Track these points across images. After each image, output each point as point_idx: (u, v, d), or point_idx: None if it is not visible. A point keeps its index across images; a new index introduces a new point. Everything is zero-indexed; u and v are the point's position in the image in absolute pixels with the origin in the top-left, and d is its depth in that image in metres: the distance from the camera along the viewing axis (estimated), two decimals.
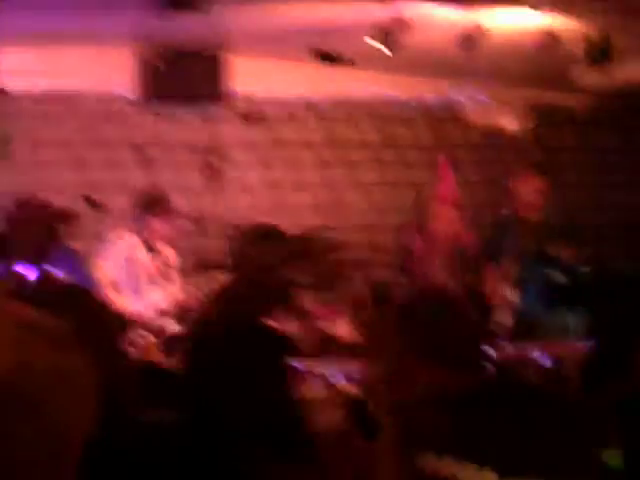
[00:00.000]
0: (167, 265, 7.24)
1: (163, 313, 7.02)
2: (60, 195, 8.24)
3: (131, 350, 5.95)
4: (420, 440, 1.53)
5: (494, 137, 10.31)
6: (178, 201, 8.66)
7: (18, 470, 1.24)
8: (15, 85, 8.02)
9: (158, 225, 7.16)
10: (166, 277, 7.21)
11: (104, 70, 8.38)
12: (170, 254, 7.35)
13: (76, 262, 6.78)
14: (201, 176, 9.11)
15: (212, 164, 9.11)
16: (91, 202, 7.13)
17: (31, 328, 1.31)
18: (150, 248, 7.20)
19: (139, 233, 7.20)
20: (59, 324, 1.36)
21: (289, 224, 9.13)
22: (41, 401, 1.25)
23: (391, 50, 7.22)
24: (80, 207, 7.51)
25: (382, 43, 7.17)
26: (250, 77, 8.89)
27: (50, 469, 1.27)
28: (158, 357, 6.24)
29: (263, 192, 9.35)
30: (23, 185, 8.01)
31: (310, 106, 9.52)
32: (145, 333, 6.65)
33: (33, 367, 1.26)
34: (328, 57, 7.52)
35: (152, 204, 7.19)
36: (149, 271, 7.15)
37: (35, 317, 1.35)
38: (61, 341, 1.32)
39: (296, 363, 3.28)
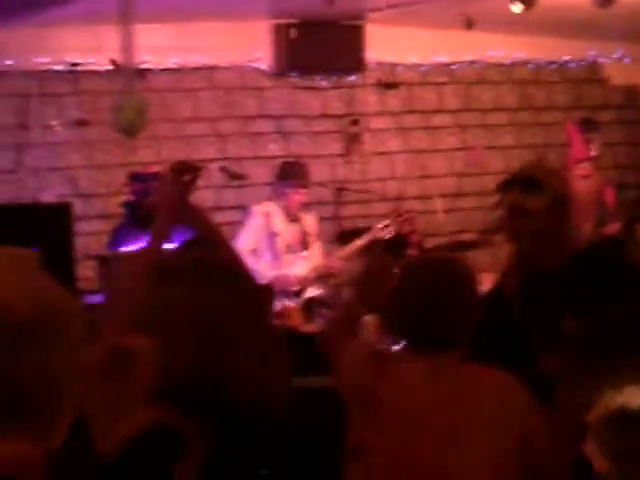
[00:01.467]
0: (306, 233, 7.33)
1: (303, 280, 7.12)
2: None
3: (274, 317, 6.09)
4: None
5: (635, 97, 10.12)
6: (317, 170, 8.77)
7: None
8: (153, 61, 8.21)
9: (296, 194, 7.25)
10: (305, 245, 7.31)
11: (241, 43, 8.51)
12: (310, 222, 7.44)
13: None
14: (339, 145, 9.17)
15: (350, 132, 9.16)
16: (230, 174, 7.25)
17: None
18: (289, 217, 7.30)
19: (278, 202, 7.31)
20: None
21: (428, 190, 9.21)
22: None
23: (527, 9, 7.15)
24: (220, 179, 7.66)
25: (521, 2, 7.11)
26: (386, 44, 8.92)
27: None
28: (299, 322, 6.37)
29: (401, 158, 9.36)
30: (165, 160, 8.21)
31: (446, 71, 9.48)
32: (286, 299, 6.79)
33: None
34: None
35: (290, 174, 7.28)
36: (288, 240, 7.25)
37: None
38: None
39: None
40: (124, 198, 7.22)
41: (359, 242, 7.17)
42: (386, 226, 7.17)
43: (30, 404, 1.42)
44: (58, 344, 1.44)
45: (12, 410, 1.42)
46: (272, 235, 7.21)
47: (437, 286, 3.10)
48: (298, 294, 7.05)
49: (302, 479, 4.72)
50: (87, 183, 8.28)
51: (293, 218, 7.32)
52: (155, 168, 6.92)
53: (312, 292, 7.20)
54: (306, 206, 7.54)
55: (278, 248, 7.20)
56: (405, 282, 3.21)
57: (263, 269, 7.05)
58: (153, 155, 8.37)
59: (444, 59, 9.39)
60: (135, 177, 6.95)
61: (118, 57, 7.19)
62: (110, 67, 7.51)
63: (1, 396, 1.41)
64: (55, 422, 1.47)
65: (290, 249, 7.25)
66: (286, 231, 7.27)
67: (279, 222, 7.26)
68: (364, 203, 8.79)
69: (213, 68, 8.61)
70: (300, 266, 7.20)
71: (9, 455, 1.41)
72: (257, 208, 7.34)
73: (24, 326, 1.41)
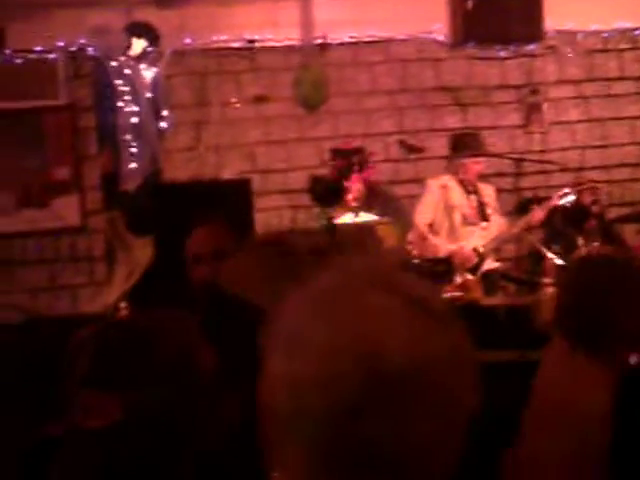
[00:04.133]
0: (484, 204, 7.23)
1: (481, 251, 7.02)
2: (379, 142, 8.42)
3: (452, 290, 6.03)
4: None
5: None
6: (496, 141, 8.64)
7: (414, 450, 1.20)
8: (330, 36, 8.22)
9: (473, 164, 7.16)
10: (484, 216, 7.20)
11: (417, 15, 8.43)
12: (488, 192, 7.33)
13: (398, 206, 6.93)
14: (519, 115, 9.01)
15: (529, 102, 8.98)
16: (408, 147, 7.20)
17: (420, 305, 1.24)
18: (466, 189, 7.21)
19: (454, 175, 7.23)
20: (442, 299, 1.32)
21: (609, 159, 8.96)
22: (437, 383, 1.21)
23: None
24: (398, 152, 7.62)
25: None
26: (565, 11, 8.69)
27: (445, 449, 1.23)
28: (479, 295, 6.28)
29: (582, 128, 9.13)
30: (343, 134, 8.23)
31: (629, 37, 9.17)
32: (464, 272, 6.70)
33: (427, 346, 1.20)
34: None
35: (465, 144, 7.19)
36: (466, 212, 7.17)
37: (423, 292, 1.26)
38: (446, 318, 1.26)
39: None
40: (309, 173, 7.21)
41: (538, 211, 7.03)
42: (565, 194, 7.01)
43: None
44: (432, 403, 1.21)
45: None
46: (449, 208, 7.14)
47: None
48: (477, 267, 6.95)
49: (479, 452, 4.66)
50: (266, 159, 8.37)
51: (470, 190, 7.23)
52: (356, 142, 6.93)
53: (490, 264, 7.10)
54: (485, 177, 7.43)
55: (455, 221, 7.13)
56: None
57: (441, 243, 7.00)
58: (331, 130, 8.40)
59: (627, 24, 9.08)
60: (336, 152, 6.95)
61: (296, 32, 7.24)
62: (287, 42, 7.55)
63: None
64: None
65: (468, 221, 7.17)
66: (463, 203, 7.19)
67: (456, 194, 7.18)
68: (544, 174, 8.61)
69: (389, 41, 8.57)
70: (478, 238, 7.10)
71: None
72: (433, 182, 7.29)
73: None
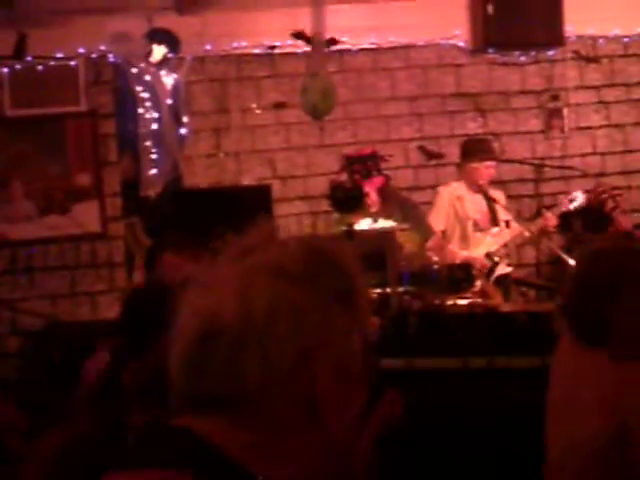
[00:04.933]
0: (495, 210, 7.22)
1: (493, 257, 6.99)
2: (399, 148, 8.41)
3: (472, 296, 6.01)
4: None
5: None
6: (516, 147, 8.62)
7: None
8: (350, 41, 8.22)
9: (484, 170, 7.15)
10: (495, 222, 7.19)
11: (437, 21, 8.42)
12: (499, 198, 7.32)
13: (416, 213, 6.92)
14: (539, 121, 8.98)
15: (550, 108, 8.96)
16: (428, 153, 7.21)
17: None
18: (477, 195, 7.20)
19: (465, 181, 7.23)
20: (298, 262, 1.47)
21: (631, 165, 8.93)
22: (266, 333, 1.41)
23: None
24: (418, 158, 7.62)
25: None
26: (586, 16, 8.66)
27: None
28: (498, 301, 6.26)
29: (603, 133, 9.09)
30: (363, 141, 8.23)
31: None
32: (481, 279, 6.68)
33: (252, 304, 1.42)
34: None
35: (474, 150, 7.19)
36: (477, 218, 7.16)
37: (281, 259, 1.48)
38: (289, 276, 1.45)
39: None
40: (329, 179, 7.22)
41: (550, 216, 7.02)
42: (573, 198, 7.00)
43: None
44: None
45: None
46: (460, 215, 7.15)
47: None
48: (490, 272, 6.93)
49: (500, 457, 4.66)
50: (285, 165, 8.37)
51: (481, 196, 7.22)
52: (366, 150, 6.93)
53: (503, 269, 7.09)
54: (505, 183, 7.42)
55: (467, 228, 7.13)
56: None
57: (452, 250, 7.00)
58: (351, 136, 8.41)
59: None
60: (348, 158, 6.94)
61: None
62: (307, 49, 7.55)
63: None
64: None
65: (479, 227, 7.16)
66: (474, 209, 7.18)
67: (467, 201, 7.18)
68: (565, 179, 8.59)
69: (409, 47, 8.56)
70: (490, 244, 7.08)
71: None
72: (444, 189, 7.30)
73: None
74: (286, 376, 1.40)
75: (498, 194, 7.36)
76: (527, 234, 7.04)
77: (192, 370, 1.43)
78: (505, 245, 7.06)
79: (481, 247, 7.05)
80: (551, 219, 7.00)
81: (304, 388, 1.41)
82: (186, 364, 1.43)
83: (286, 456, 1.41)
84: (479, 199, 7.22)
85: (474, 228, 7.13)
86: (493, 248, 7.02)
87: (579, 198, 7.05)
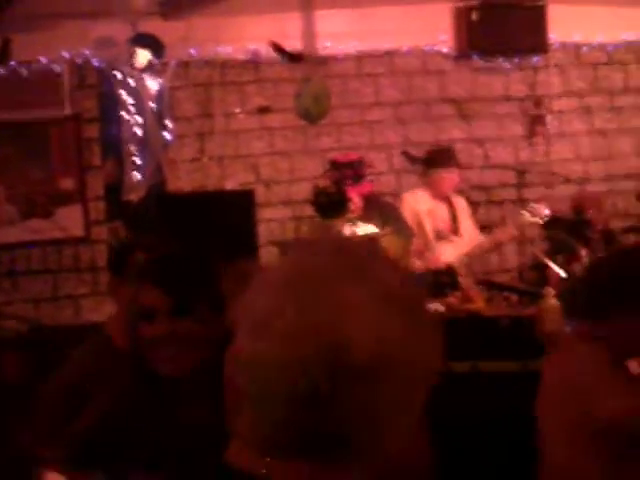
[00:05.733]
0: (457, 217, 7.20)
1: (451, 266, 6.96)
2: (383, 153, 8.43)
3: (455, 300, 6.00)
4: None
5: None
6: (500, 152, 8.65)
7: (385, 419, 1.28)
8: (334, 47, 8.23)
9: (446, 177, 7.12)
10: (456, 230, 7.18)
11: (421, 27, 8.44)
12: (460, 205, 7.30)
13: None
14: (522, 127, 9.02)
15: (533, 114, 8.99)
16: (411, 157, 7.22)
17: (386, 294, 1.29)
18: (439, 202, 7.19)
19: (427, 188, 7.20)
20: (408, 286, 1.35)
21: (613, 171, 8.97)
22: (399, 366, 1.27)
23: None
24: (401, 163, 7.62)
25: None
26: (570, 24, 8.70)
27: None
28: (481, 305, 6.26)
29: (586, 140, 9.13)
30: (347, 146, 8.24)
31: (633, 49, 9.18)
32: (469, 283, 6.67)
33: (389, 336, 1.26)
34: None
35: (436, 159, 7.17)
36: (438, 225, 7.15)
37: (390, 281, 1.32)
38: (411, 307, 1.32)
39: None
40: (312, 184, 7.21)
41: (509, 227, 7.03)
42: (533, 209, 6.95)
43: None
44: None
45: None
46: (423, 222, 7.12)
47: None
48: (452, 283, 6.90)
49: (485, 463, 4.67)
50: (269, 170, 8.38)
51: (443, 203, 7.20)
52: (353, 155, 6.93)
53: (465, 277, 7.07)
54: (488, 189, 7.43)
55: (427, 234, 7.11)
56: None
57: (434, 254, 6.98)
58: (335, 141, 8.42)
59: (631, 37, 9.08)
60: (332, 164, 6.94)
61: (299, 44, 7.25)
62: (292, 53, 7.56)
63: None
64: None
65: (440, 235, 7.14)
66: (435, 217, 7.16)
67: (428, 207, 7.15)
68: (547, 185, 8.62)
69: (393, 52, 8.58)
70: (450, 252, 7.05)
71: None
72: (407, 195, 7.28)
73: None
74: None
75: (460, 201, 7.34)
76: (487, 246, 7.07)
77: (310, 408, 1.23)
78: (466, 255, 7.05)
79: (443, 256, 7.02)
80: (510, 231, 7.01)
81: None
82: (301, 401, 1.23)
83: None
84: (442, 207, 7.20)
85: (436, 235, 7.11)
86: (453, 257, 6.99)
87: (540, 210, 6.96)
